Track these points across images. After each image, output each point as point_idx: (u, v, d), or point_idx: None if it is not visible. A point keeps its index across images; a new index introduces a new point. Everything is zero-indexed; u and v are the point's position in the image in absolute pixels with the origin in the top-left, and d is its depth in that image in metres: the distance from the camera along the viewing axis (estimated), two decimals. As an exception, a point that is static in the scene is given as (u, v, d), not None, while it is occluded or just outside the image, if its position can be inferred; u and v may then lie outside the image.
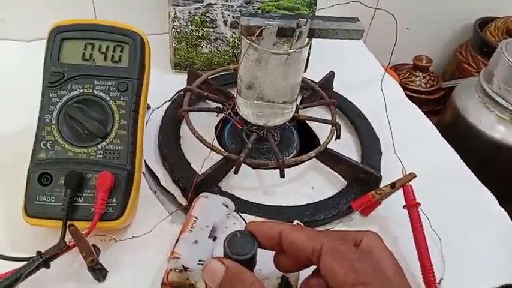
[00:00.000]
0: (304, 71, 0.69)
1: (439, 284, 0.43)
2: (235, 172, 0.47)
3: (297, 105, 0.54)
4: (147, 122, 0.56)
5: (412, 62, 0.96)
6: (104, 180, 0.38)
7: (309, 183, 0.52)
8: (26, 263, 0.36)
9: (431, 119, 0.65)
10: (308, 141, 0.59)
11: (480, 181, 0.55)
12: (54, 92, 0.41)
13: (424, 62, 0.93)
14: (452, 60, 1.00)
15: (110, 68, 0.42)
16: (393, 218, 0.48)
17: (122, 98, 0.42)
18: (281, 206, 0.47)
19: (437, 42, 1.01)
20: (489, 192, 0.54)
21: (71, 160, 0.40)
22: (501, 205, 0.53)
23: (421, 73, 0.93)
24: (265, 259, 0.34)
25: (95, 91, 0.42)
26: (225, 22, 0.62)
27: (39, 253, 0.36)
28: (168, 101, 0.58)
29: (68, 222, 0.37)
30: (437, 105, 0.94)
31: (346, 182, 0.51)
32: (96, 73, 0.42)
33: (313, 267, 0.32)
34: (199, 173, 0.46)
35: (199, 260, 0.36)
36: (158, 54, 0.54)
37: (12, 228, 0.42)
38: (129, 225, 0.44)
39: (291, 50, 0.44)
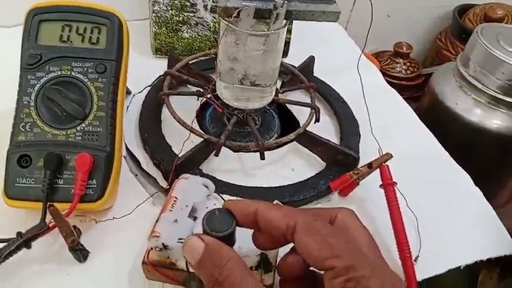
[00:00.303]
0: (285, 56, 0.70)
1: (415, 261, 0.44)
2: (216, 154, 0.48)
3: (277, 89, 0.55)
4: (127, 106, 0.56)
5: (392, 49, 0.97)
6: (83, 161, 0.39)
7: (289, 165, 0.52)
8: (6, 244, 0.36)
9: (412, 105, 0.66)
10: (289, 125, 0.59)
11: (458, 164, 0.57)
12: (32, 74, 0.41)
13: (404, 49, 0.94)
14: (432, 47, 1.02)
15: (87, 49, 0.42)
16: (371, 199, 0.49)
17: (100, 80, 0.42)
18: (261, 187, 0.48)
19: (418, 29, 1.02)
20: (465, 173, 0.55)
21: (50, 142, 0.40)
22: (478, 187, 0.54)
23: (401, 60, 0.95)
24: (244, 237, 0.34)
25: (72, 73, 0.42)
26: (205, 7, 0.62)
27: (19, 234, 0.36)
28: (149, 86, 0.58)
29: (48, 203, 0.37)
30: (417, 92, 0.96)
31: (325, 164, 0.52)
32: (74, 55, 0.42)
33: (292, 244, 0.33)
34: (179, 155, 0.47)
35: (179, 239, 0.36)
36: (139, 40, 0.54)
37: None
38: (110, 207, 0.44)
39: (269, 32, 0.44)
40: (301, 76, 0.59)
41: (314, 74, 0.65)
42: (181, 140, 0.48)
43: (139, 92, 0.57)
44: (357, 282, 0.27)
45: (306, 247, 0.30)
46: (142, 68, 0.57)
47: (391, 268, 0.31)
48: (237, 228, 0.33)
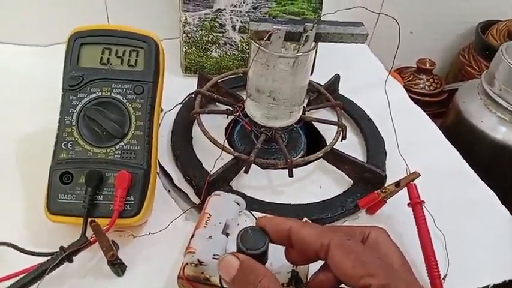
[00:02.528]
0: (311, 74, 0.71)
1: (443, 279, 0.44)
2: (246, 172, 0.49)
3: (303, 107, 0.56)
4: (160, 124, 0.58)
5: (415, 65, 0.98)
6: (123, 178, 0.40)
7: (317, 183, 0.53)
8: (49, 257, 0.38)
9: (435, 121, 0.66)
10: (315, 142, 0.61)
11: (484, 182, 0.57)
12: (73, 95, 0.44)
13: (427, 65, 0.95)
14: (455, 63, 1.02)
15: (126, 71, 0.45)
16: (398, 217, 0.50)
17: (138, 101, 0.44)
18: (290, 204, 0.49)
19: (440, 45, 1.02)
20: (491, 190, 0.55)
21: (90, 160, 0.42)
22: (504, 205, 0.54)
23: (424, 76, 0.95)
24: (275, 254, 0.35)
25: (112, 94, 0.44)
26: (233, 27, 0.63)
27: (62, 248, 0.38)
28: (180, 103, 0.60)
29: (89, 219, 0.39)
30: (440, 108, 0.96)
31: (352, 182, 0.53)
32: (113, 77, 0.44)
33: (322, 261, 0.34)
34: (211, 173, 0.48)
35: (214, 255, 0.38)
36: (169, 59, 0.56)
37: (35, 225, 0.44)
38: (146, 222, 0.45)
39: (298, 54, 0.46)
40: (327, 94, 0.61)
41: (339, 92, 0.66)
42: (211, 157, 0.49)
43: (171, 110, 0.59)
44: None
45: (340, 265, 0.31)
46: (173, 87, 0.58)
47: (422, 286, 0.32)
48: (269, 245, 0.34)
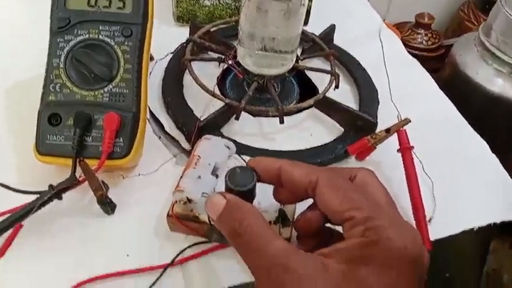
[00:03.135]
0: (306, 25, 0.70)
1: (429, 221, 0.45)
2: (236, 118, 0.49)
3: (297, 55, 0.55)
4: (150, 72, 0.57)
5: (414, 20, 0.96)
6: (111, 120, 0.40)
7: (308, 131, 0.54)
8: (39, 196, 0.38)
9: (432, 76, 0.66)
10: (308, 93, 0.60)
11: (477, 133, 0.57)
12: (61, 37, 0.43)
13: (426, 20, 0.93)
14: (454, 18, 1.00)
15: (114, 13, 0.44)
16: (387, 163, 0.50)
17: (126, 43, 0.43)
18: (280, 150, 0.49)
19: (440, 0, 1.01)
20: (482, 140, 0.55)
21: (79, 102, 0.42)
22: (497, 156, 0.54)
23: (422, 30, 0.94)
24: (264, 194, 0.36)
25: (100, 36, 0.43)
26: (226, -26, 0.62)
27: (51, 186, 0.38)
28: (171, 52, 0.59)
29: (79, 159, 0.39)
30: (438, 63, 0.95)
31: (343, 130, 0.53)
32: (101, 18, 0.43)
33: (310, 201, 0.34)
34: (201, 119, 0.48)
35: (203, 193, 0.38)
36: (161, 8, 0.55)
37: (25, 167, 0.44)
38: (136, 166, 0.46)
39: (291, -3, 0.45)
40: (321, 44, 0.60)
41: (334, 43, 0.65)
42: (202, 104, 0.49)
43: (162, 59, 0.59)
44: (375, 231, 0.28)
45: (327, 201, 0.31)
46: (165, 36, 0.58)
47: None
48: (257, 185, 0.34)
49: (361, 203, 0.30)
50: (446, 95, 0.62)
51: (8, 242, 0.35)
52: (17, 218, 0.37)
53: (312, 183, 0.32)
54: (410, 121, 0.48)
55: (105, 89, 0.43)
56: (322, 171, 0.33)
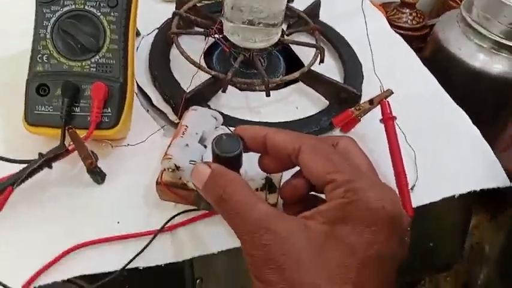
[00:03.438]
0: (292, 1, 0.70)
1: (411, 189, 0.46)
2: (223, 91, 0.50)
3: (283, 30, 0.56)
4: (137, 47, 0.57)
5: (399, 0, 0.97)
6: (98, 89, 0.41)
7: (293, 104, 0.54)
8: (28, 164, 0.39)
9: (416, 55, 0.67)
10: (294, 68, 0.61)
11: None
12: (47, 8, 0.43)
13: (411, -1, 0.94)
14: (439, -2, 1.01)
15: (100, -17, 0.44)
16: (372, 135, 0.51)
17: (112, 14, 0.43)
18: (266, 122, 0.50)
19: (425, -21, 1.01)
20: (464, 113, 0.57)
21: (66, 73, 0.42)
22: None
23: (407, 10, 0.94)
24: (250, 163, 0.37)
25: (86, 6, 0.43)
26: (212, -51, 0.62)
27: (41, 154, 0.39)
28: (157, 28, 0.60)
29: (68, 127, 0.39)
30: (422, 43, 0.96)
31: (328, 103, 0.54)
32: (86, -12, 0.44)
33: (296, 169, 0.35)
34: (188, 90, 0.49)
35: (191, 160, 0.39)
36: (147, -17, 0.55)
37: (14, 137, 0.44)
38: (124, 139, 0.46)
39: (276, -32, 0.45)
40: (306, 18, 0.60)
41: (320, 19, 0.66)
42: (189, 77, 0.50)
43: (149, 34, 0.59)
44: (355, 192, 0.29)
45: (310, 164, 0.32)
46: (151, 12, 0.58)
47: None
48: (244, 154, 0.35)
49: (343, 166, 0.31)
50: (430, 71, 0.63)
51: (0, 205, 0.36)
52: (8, 184, 0.37)
53: (296, 150, 0.33)
54: (392, 92, 0.49)
55: (92, 60, 0.43)
56: (306, 138, 0.34)
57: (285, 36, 0.57)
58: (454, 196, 0.47)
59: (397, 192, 0.45)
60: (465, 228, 0.58)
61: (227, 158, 0.34)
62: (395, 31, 0.71)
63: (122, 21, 0.44)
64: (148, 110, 0.51)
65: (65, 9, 0.43)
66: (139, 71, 0.54)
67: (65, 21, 0.43)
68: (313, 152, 0.32)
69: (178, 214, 0.41)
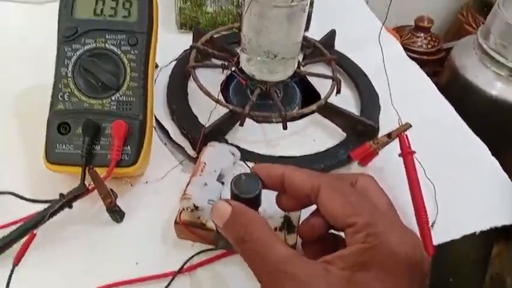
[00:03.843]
0: (307, 30, 0.71)
1: (431, 226, 0.46)
2: (241, 125, 0.50)
3: (299, 61, 0.56)
4: (155, 79, 0.58)
5: (413, 24, 0.97)
6: (119, 128, 0.41)
7: (310, 136, 0.54)
8: (50, 204, 0.39)
9: (432, 80, 0.66)
10: (310, 99, 0.61)
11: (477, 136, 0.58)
12: (68, 46, 0.44)
13: (425, 23, 0.94)
14: (453, 21, 1.01)
15: (120, 22, 0.45)
16: (390, 168, 0.51)
17: (132, 52, 0.44)
18: (284, 156, 0.50)
19: (439, 3, 1.01)
20: (482, 143, 0.56)
21: (87, 111, 0.43)
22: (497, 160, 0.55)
23: (422, 34, 0.95)
24: (268, 200, 0.36)
25: (107, 45, 0.44)
26: (228, -19, 0.63)
27: (61, 195, 0.39)
28: (175, 59, 0.60)
29: (88, 167, 0.40)
30: (438, 66, 0.96)
31: (345, 135, 0.54)
32: (107, 27, 0.44)
33: (313, 207, 0.35)
34: (206, 125, 0.49)
35: (209, 200, 0.39)
36: (164, 15, 0.56)
37: (35, 176, 0.45)
38: (143, 174, 0.47)
39: (293, 3, 0.46)
40: (322, 49, 0.61)
41: (335, 48, 0.66)
42: (207, 111, 0.50)
43: (166, 66, 0.59)
44: (376, 237, 0.29)
45: (329, 206, 0.32)
46: (168, 43, 0.58)
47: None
48: (262, 191, 0.35)
49: (362, 208, 0.31)
50: (446, 98, 0.62)
51: (23, 251, 0.36)
52: (29, 227, 0.37)
53: (314, 189, 0.32)
54: (411, 126, 0.49)
55: (113, 98, 0.43)
56: (324, 177, 0.34)
57: (301, 67, 0.57)
58: (475, 233, 0.47)
59: (417, 229, 0.45)
60: (486, 261, 0.57)
61: (247, 198, 0.34)
62: (410, 55, 0.71)
63: (142, 59, 0.44)
64: (166, 144, 0.52)
65: (86, 47, 0.44)
66: (158, 104, 0.54)
67: (86, 59, 0.43)
68: (331, 192, 0.32)
69: (197, 254, 0.40)
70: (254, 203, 0.35)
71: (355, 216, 0.30)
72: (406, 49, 0.74)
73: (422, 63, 0.77)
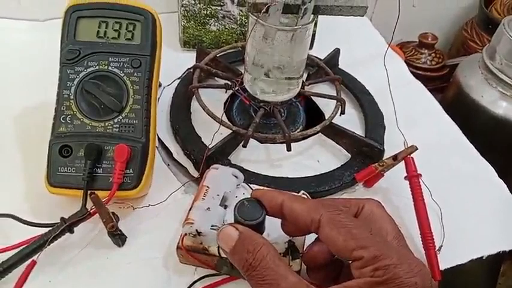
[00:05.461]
0: (310, 49, 0.70)
1: (438, 251, 0.45)
2: (244, 146, 0.50)
3: (303, 81, 0.56)
4: (158, 98, 0.58)
5: (417, 40, 0.97)
6: (121, 151, 0.41)
7: (315, 157, 0.54)
8: (50, 228, 0.39)
9: (436, 96, 0.66)
10: (314, 118, 0.61)
11: (483, 157, 0.57)
12: (71, 69, 0.44)
13: (429, 39, 0.94)
14: (457, 37, 1.01)
15: (123, 45, 0.44)
16: (395, 190, 0.50)
17: (135, 74, 0.44)
18: (288, 177, 0.49)
19: (443, 19, 1.01)
20: (489, 165, 0.56)
21: (89, 133, 0.42)
22: (503, 180, 0.54)
23: (426, 50, 0.94)
24: (273, 225, 0.36)
25: (109, 67, 0.44)
26: (232, 0, 0.63)
27: (63, 219, 0.39)
28: (178, 78, 0.60)
29: (89, 191, 0.39)
30: (442, 83, 0.95)
31: (350, 156, 0.53)
32: (110, 50, 0.44)
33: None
34: (210, 147, 0.49)
35: (212, 225, 0.38)
36: (167, 33, 0.56)
37: (36, 198, 0.44)
38: (145, 195, 0.46)
39: (297, 27, 0.45)
40: (326, 68, 0.60)
41: (339, 67, 0.66)
42: (210, 131, 0.49)
43: (169, 84, 0.59)
44: (385, 270, 0.29)
45: (331, 240, 0.31)
46: (171, 61, 0.58)
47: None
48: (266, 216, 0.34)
49: (367, 241, 0.30)
50: (451, 117, 0.62)
51: (22, 280, 0.35)
52: (30, 251, 0.37)
53: (315, 222, 0.32)
54: (417, 148, 0.48)
55: (115, 120, 0.43)
56: (324, 207, 0.33)
57: (305, 87, 0.57)
58: (482, 257, 0.46)
59: (423, 253, 0.44)
60: (493, 283, 0.56)
61: (251, 225, 0.34)
62: (414, 72, 0.71)
63: (145, 81, 0.44)
64: (168, 164, 0.51)
65: (89, 70, 0.44)
66: (161, 124, 0.54)
67: (89, 82, 0.43)
68: (333, 225, 0.32)
69: (200, 279, 0.40)
70: (258, 229, 0.34)
71: (360, 249, 0.30)
72: (410, 65, 0.74)
73: (426, 80, 0.77)
